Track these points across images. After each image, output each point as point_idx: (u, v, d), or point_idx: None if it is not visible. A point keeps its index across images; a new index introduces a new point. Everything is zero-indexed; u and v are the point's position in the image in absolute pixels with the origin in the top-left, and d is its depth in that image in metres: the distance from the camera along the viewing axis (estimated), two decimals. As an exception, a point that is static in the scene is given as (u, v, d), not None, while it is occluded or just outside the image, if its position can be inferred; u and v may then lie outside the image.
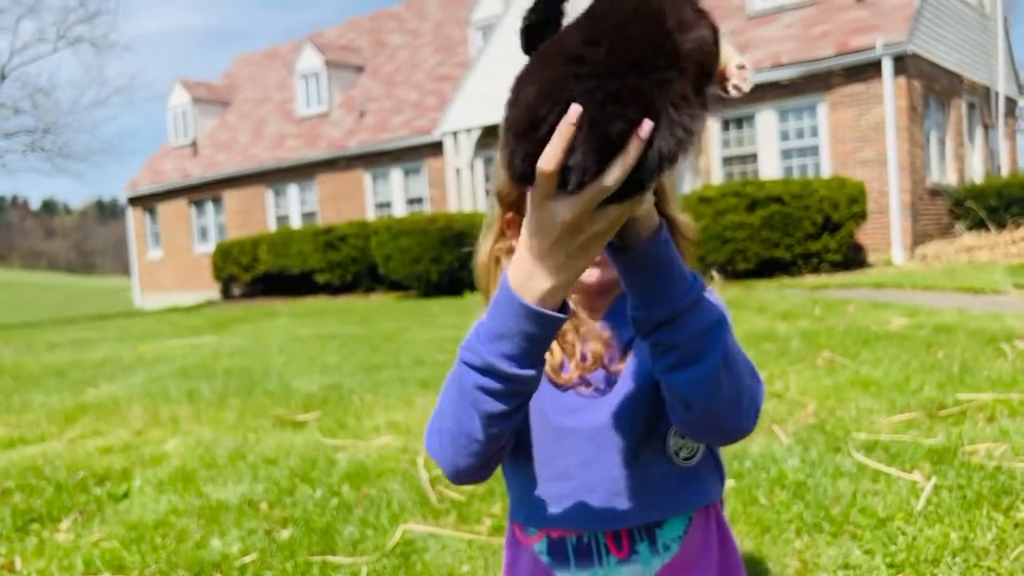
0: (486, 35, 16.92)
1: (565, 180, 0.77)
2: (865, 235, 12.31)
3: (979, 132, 15.13)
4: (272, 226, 20.77)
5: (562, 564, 1.13)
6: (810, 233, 11.10)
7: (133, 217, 24.96)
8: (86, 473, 3.68)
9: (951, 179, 13.92)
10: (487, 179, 16.26)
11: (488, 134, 15.75)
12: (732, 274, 11.48)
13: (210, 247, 21.34)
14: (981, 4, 15.50)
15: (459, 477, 1.03)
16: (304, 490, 3.21)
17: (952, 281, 8.73)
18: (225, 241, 19.71)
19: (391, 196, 18.70)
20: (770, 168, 13.45)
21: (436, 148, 17.45)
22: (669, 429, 1.09)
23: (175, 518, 3.01)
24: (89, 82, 54.04)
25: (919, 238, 12.59)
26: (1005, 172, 15.44)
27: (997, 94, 15.47)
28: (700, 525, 1.14)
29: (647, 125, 0.74)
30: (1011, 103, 16.48)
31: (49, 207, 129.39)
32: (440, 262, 13.80)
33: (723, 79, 0.82)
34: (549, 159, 0.76)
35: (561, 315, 0.88)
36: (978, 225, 12.98)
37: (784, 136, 13.43)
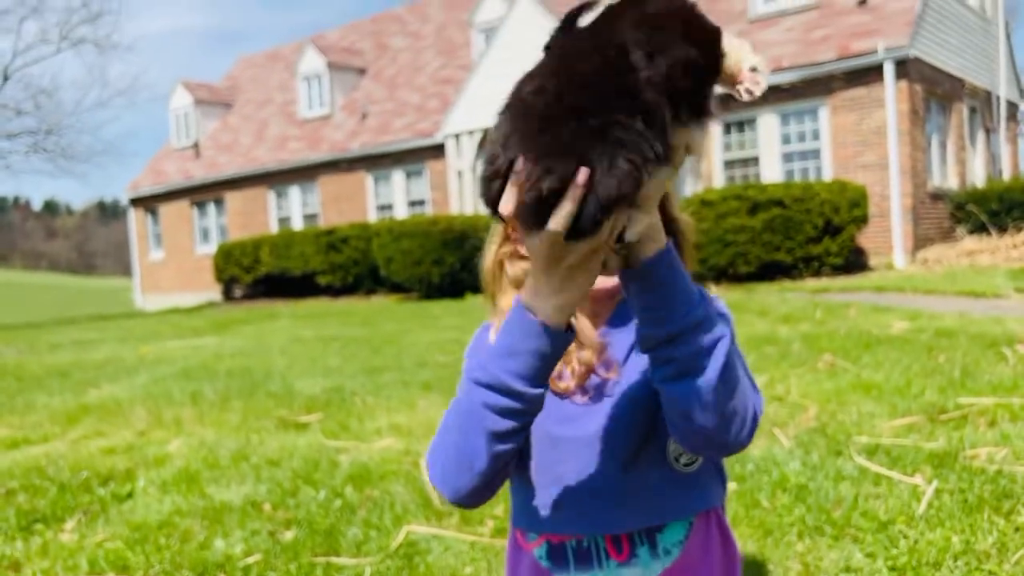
0: (488, 37, 16.95)
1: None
2: (866, 239, 12.32)
3: (980, 136, 15.14)
4: (274, 228, 20.79)
5: (562, 568, 1.14)
6: (811, 236, 11.11)
7: (135, 218, 24.99)
8: (89, 474, 3.70)
9: (952, 183, 13.93)
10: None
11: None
12: (733, 277, 11.49)
13: (211, 248, 21.36)
14: (983, 8, 15.52)
15: (460, 498, 1.04)
16: (307, 491, 3.22)
17: (953, 285, 8.73)
18: (227, 242, 19.74)
19: (393, 198, 18.72)
20: (771, 171, 13.47)
21: (438, 150, 17.46)
22: (669, 435, 1.09)
23: (179, 519, 3.02)
24: (92, 83, 54.11)
25: (920, 242, 12.60)
26: (1006, 176, 15.45)
27: (998, 98, 15.48)
28: (701, 530, 1.14)
29: (582, 174, 0.77)
30: (1012, 107, 16.49)
31: (50, 208, 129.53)
32: (441, 264, 13.81)
33: (735, 82, 0.83)
34: (504, 205, 0.83)
35: (568, 333, 0.92)
36: (979, 229, 12.99)
37: (785, 140, 13.44)
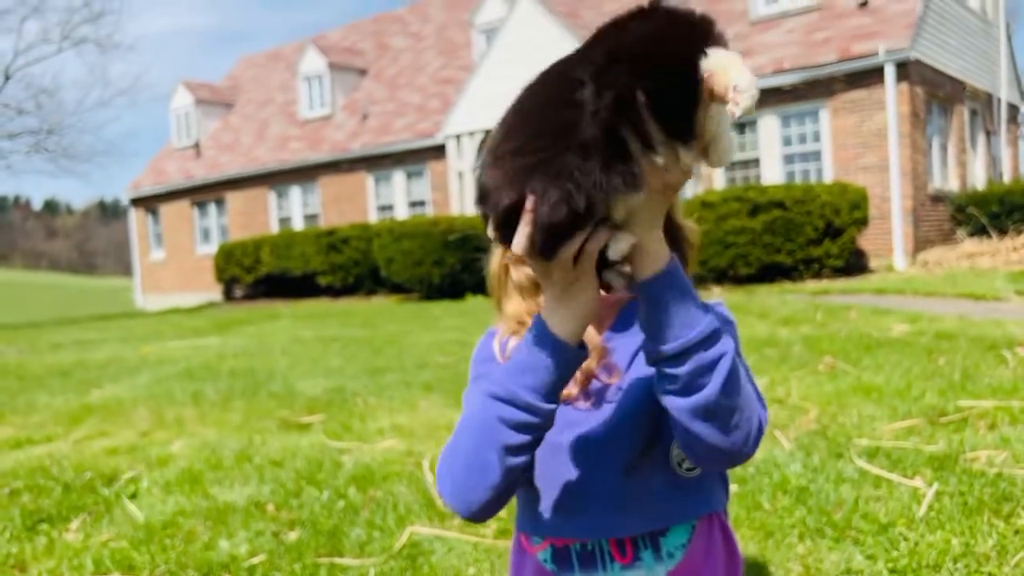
0: (489, 38, 16.96)
1: None
2: (867, 241, 12.34)
3: (981, 138, 15.16)
4: (274, 228, 20.81)
5: (566, 570, 1.15)
6: (812, 238, 11.13)
7: (135, 218, 25.01)
8: (93, 474, 3.71)
9: (953, 185, 13.95)
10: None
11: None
12: (733, 279, 11.51)
13: (212, 248, 21.38)
14: (984, 11, 15.54)
15: (472, 512, 1.05)
16: (311, 492, 3.24)
17: (953, 287, 8.75)
18: (227, 242, 19.76)
19: (393, 199, 18.74)
20: (772, 173, 13.49)
21: (439, 151, 17.48)
22: (672, 440, 1.10)
23: (183, 519, 3.04)
24: (93, 83, 54.09)
25: (921, 244, 12.61)
26: (1007, 178, 15.47)
27: (999, 100, 15.50)
28: (704, 533, 1.15)
29: (528, 202, 0.86)
30: (1013, 109, 16.50)
31: (51, 207, 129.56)
32: (442, 265, 13.83)
33: (724, 101, 0.85)
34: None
35: (580, 349, 0.97)
36: (980, 231, 13.01)
37: (786, 141, 13.46)
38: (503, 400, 0.98)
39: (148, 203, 24.48)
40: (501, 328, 1.21)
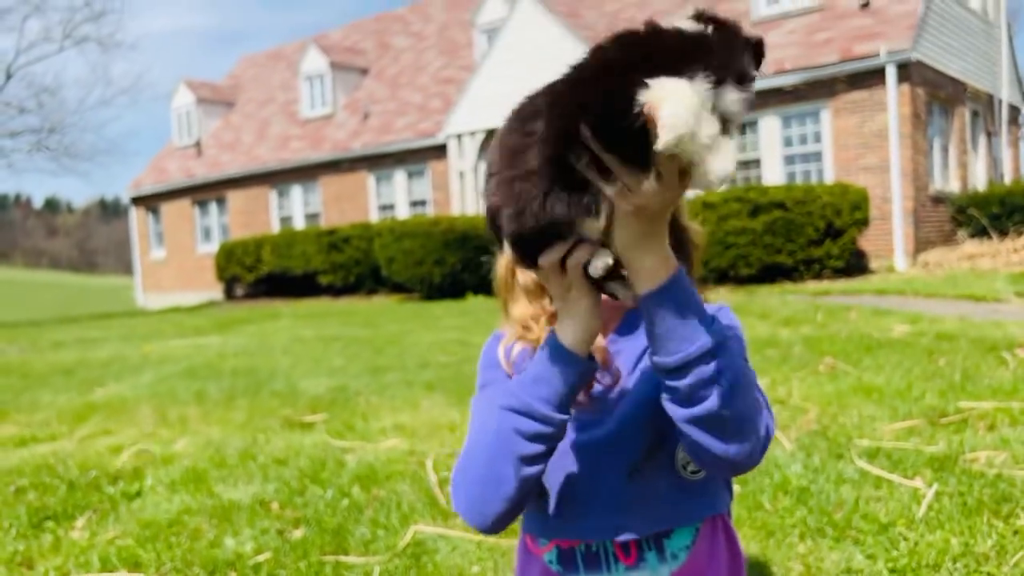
0: (491, 38, 16.98)
1: None
2: (867, 241, 12.35)
3: (982, 140, 15.17)
4: (275, 227, 20.82)
5: (572, 571, 1.17)
6: (812, 239, 11.14)
7: (136, 217, 25.02)
8: (98, 472, 3.74)
9: (954, 186, 13.96)
10: (491, 182, 16.28)
11: (492, 137, 15.79)
12: (734, 279, 11.52)
13: (213, 247, 21.40)
14: (985, 12, 15.55)
15: (487, 524, 1.08)
16: (315, 491, 3.26)
17: (954, 289, 8.77)
18: (228, 241, 19.77)
19: (394, 198, 18.76)
20: (773, 174, 13.50)
21: (440, 151, 17.50)
22: (677, 444, 1.10)
23: (188, 517, 3.06)
24: (95, 82, 53.99)
25: (921, 245, 12.63)
26: (1008, 180, 15.47)
27: (1000, 102, 15.52)
28: (708, 535, 1.16)
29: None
30: (1014, 111, 16.52)
31: (51, 206, 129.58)
32: (443, 264, 13.85)
33: None
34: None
35: (590, 361, 1.02)
36: (980, 233, 13.02)
37: (787, 142, 13.48)
38: (518, 412, 1.01)
39: (149, 202, 24.50)
40: (507, 333, 1.22)
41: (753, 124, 13.67)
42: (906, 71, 12.16)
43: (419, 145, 17.82)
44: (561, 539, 1.17)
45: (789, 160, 13.50)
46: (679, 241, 1.21)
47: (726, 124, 0.90)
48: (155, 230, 24.57)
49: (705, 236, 1.22)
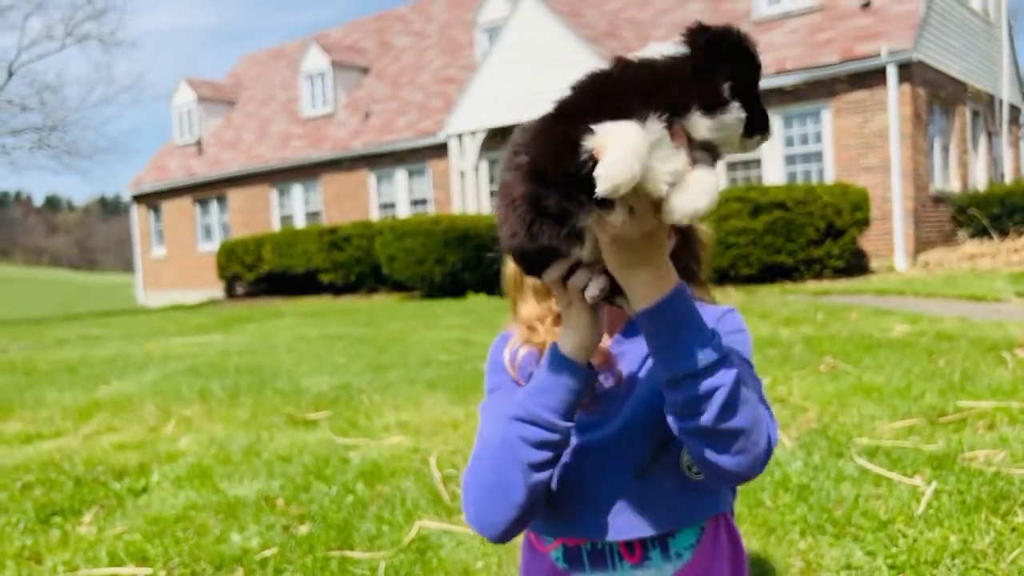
0: (492, 37, 16.99)
1: None
2: (868, 241, 12.38)
3: (983, 140, 15.20)
4: (276, 225, 20.86)
5: (578, 569, 1.19)
6: (813, 239, 11.17)
7: (137, 215, 25.06)
8: (104, 468, 3.76)
9: (954, 186, 13.99)
10: (491, 181, 16.31)
11: (493, 136, 15.81)
12: (735, 279, 11.55)
13: (214, 246, 21.44)
14: (986, 12, 15.57)
15: (497, 532, 1.11)
16: (319, 487, 3.28)
17: (954, 289, 8.79)
18: (229, 240, 19.80)
19: (395, 197, 18.79)
20: (774, 174, 13.53)
21: (441, 150, 17.52)
22: (683, 445, 1.12)
23: (194, 513, 3.09)
24: (97, 80, 54.11)
25: (922, 245, 12.65)
26: (1008, 180, 15.50)
27: (1001, 102, 15.54)
28: (711, 533, 1.18)
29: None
30: (1015, 111, 16.54)
31: (52, 203, 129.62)
32: (444, 263, 13.87)
33: None
34: None
35: (590, 370, 1.05)
36: (981, 233, 13.05)
37: (788, 142, 13.50)
38: (525, 420, 1.05)
39: (150, 200, 24.54)
40: (515, 334, 1.23)
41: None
42: (907, 71, 12.19)
43: (420, 144, 17.85)
44: (567, 538, 1.19)
45: (790, 160, 13.52)
46: (687, 241, 1.24)
47: (713, 152, 0.91)
48: (156, 228, 24.61)
49: (712, 236, 1.25)
